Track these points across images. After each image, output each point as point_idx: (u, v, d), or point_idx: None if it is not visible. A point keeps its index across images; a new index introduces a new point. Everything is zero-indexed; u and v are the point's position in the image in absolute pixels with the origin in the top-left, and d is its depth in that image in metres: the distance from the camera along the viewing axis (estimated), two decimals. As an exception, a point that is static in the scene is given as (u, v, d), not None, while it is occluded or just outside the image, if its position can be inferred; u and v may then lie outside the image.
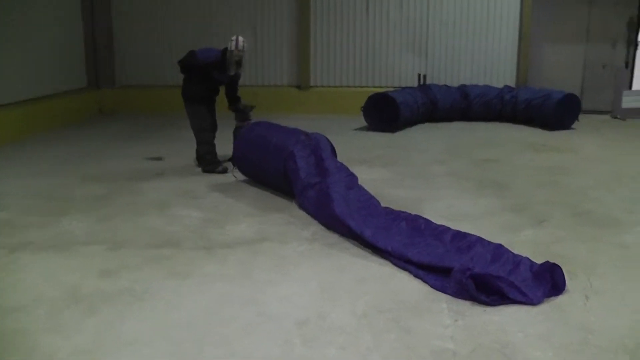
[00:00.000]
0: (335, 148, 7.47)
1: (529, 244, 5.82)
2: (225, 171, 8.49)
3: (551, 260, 4.96)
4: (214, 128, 8.79)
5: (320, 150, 7.00)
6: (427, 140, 11.17)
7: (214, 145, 8.68)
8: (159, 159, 9.52)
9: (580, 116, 12.31)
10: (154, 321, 4.28)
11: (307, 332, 4.12)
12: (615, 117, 13.32)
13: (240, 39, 8.36)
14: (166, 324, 4.23)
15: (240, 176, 8.11)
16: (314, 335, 4.09)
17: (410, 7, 14.28)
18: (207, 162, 8.59)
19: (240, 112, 8.86)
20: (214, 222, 6.44)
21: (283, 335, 4.07)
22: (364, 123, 12.39)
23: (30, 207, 7.01)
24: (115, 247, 5.70)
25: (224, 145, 9.00)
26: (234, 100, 8.89)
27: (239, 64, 8.49)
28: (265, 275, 5.09)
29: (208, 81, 8.50)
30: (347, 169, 6.98)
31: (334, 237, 5.96)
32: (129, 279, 4.97)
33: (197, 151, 8.84)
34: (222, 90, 8.81)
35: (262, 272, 5.16)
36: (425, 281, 4.94)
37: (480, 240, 5.50)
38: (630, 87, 14.03)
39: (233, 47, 8.31)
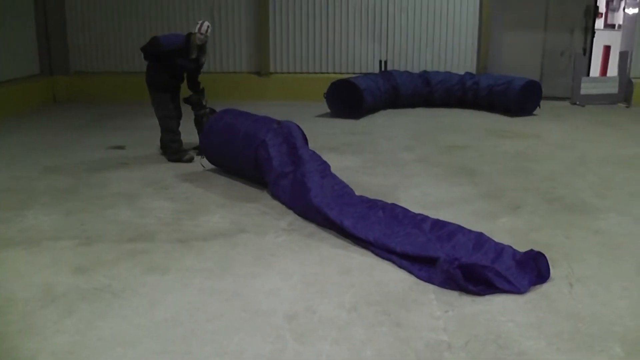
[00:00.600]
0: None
1: (507, 231, 5.81)
2: (191, 160, 8.30)
3: (530, 248, 4.97)
4: (178, 116, 8.60)
5: (292, 138, 6.87)
6: (391, 126, 11.13)
7: (179, 134, 8.48)
8: (121, 148, 9.25)
9: (541, 102, 12.42)
10: (136, 319, 4.11)
11: (298, 327, 4.02)
12: (575, 104, 13.49)
13: (206, 23, 8.19)
14: (149, 322, 4.07)
15: (208, 165, 7.92)
16: (305, 330, 3.99)
17: (371, -8, 14.20)
18: (173, 150, 8.39)
19: (191, 103, 8.67)
20: (187, 214, 6.26)
21: (273, 331, 3.96)
22: (326, 109, 12.28)
23: (-10, 201, 6.73)
24: (87, 241, 5.49)
25: (190, 133, 8.79)
26: (193, 88, 8.68)
27: (201, 49, 8.32)
28: (246, 268, 4.96)
29: (172, 68, 8.29)
30: (319, 157, 6.87)
31: (311, 227, 5.86)
32: (106, 275, 4.79)
33: (162, 140, 8.61)
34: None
35: (243, 265, 5.03)
36: (410, 271, 4.87)
37: (460, 228, 5.45)
38: (588, 73, 14.22)
39: (196, 30, 8.15)
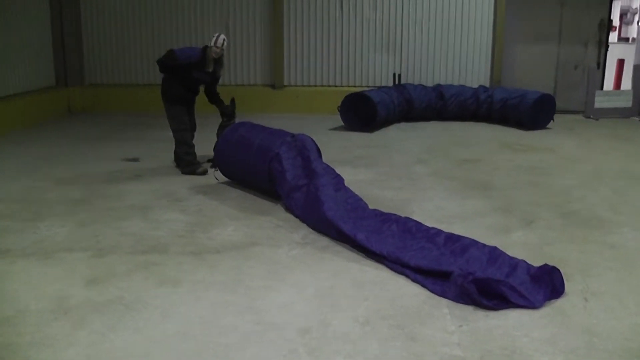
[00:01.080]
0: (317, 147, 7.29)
1: (521, 245, 5.78)
2: (205, 173, 8.31)
3: (545, 262, 4.93)
4: (193, 128, 8.66)
5: (306, 152, 6.88)
6: (405, 139, 11.11)
7: (193, 146, 8.51)
8: (135, 160, 9.28)
9: (555, 116, 12.37)
10: (148, 332, 4.11)
11: (311, 341, 4.00)
12: (589, 117, 13.43)
13: (222, 36, 8.24)
14: (162, 335, 4.06)
15: (222, 178, 7.93)
16: (318, 344, 3.97)
17: (385, 6, 14.21)
18: (187, 163, 8.41)
19: (227, 114, 8.74)
20: (200, 226, 6.26)
21: (286, 345, 3.94)
22: (340, 122, 12.28)
23: (3, 212, 6.75)
24: (100, 253, 5.50)
25: (204, 146, 8.82)
26: (214, 100, 8.74)
27: (218, 62, 8.37)
28: (259, 281, 4.95)
29: (188, 81, 8.32)
30: (333, 170, 6.86)
31: (325, 240, 5.84)
32: (118, 287, 4.79)
33: (176, 152, 8.64)
34: (202, 89, 8.67)
35: (256, 278, 5.01)
36: (424, 285, 4.85)
37: (474, 242, 5.42)
38: (601, 87, 14.17)
39: (212, 44, 8.20)
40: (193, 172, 8.30)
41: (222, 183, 7.89)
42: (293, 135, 7.15)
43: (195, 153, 8.49)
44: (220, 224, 6.36)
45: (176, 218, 6.53)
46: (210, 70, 8.39)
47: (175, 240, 5.84)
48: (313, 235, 5.99)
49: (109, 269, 5.14)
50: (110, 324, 4.22)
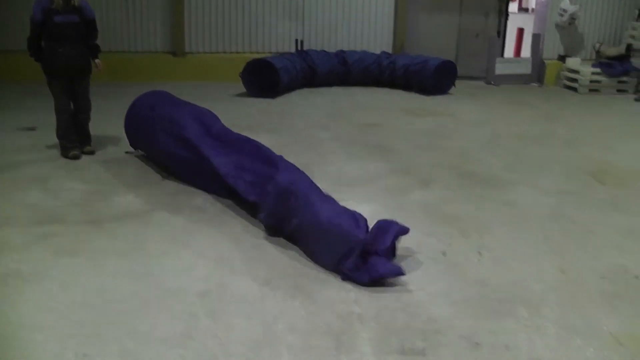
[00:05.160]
0: (217, 115, 6.97)
1: (420, 205, 5.96)
2: (75, 157, 7.43)
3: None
4: (79, 109, 7.66)
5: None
6: (308, 105, 11.13)
7: (67, 129, 7.57)
8: (32, 129, 8.91)
9: (456, 82, 12.67)
10: (47, 303, 4.02)
11: (210, 304, 4.02)
12: (489, 83, 13.82)
13: None
14: (62, 306, 3.99)
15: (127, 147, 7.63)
16: (217, 306, 4.00)
17: (287, -29, 14.12)
18: (60, 146, 7.59)
19: None
20: (99, 195, 6.11)
21: (186, 309, 3.95)
22: (243, 89, 12.16)
23: None
24: (-5, 226, 5.31)
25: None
26: (92, 48, 7.64)
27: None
28: (159, 247, 4.92)
29: (55, 32, 7.26)
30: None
31: (224, 205, 5.84)
32: (15, 260, 4.64)
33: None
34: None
35: (156, 244, 4.97)
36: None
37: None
38: (502, 54, 14.63)
39: None
40: (65, 156, 7.51)
41: (124, 153, 7.63)
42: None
43: (68, 134, 7.56)
44: (120, 192, 6.23)
45: (74, 187, 6.33)
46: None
47: (73, 210, 5.69)
48: (213, 200, 5.98)
49: (4, 242, 4.97)
50: (7, 297, 4.10)
